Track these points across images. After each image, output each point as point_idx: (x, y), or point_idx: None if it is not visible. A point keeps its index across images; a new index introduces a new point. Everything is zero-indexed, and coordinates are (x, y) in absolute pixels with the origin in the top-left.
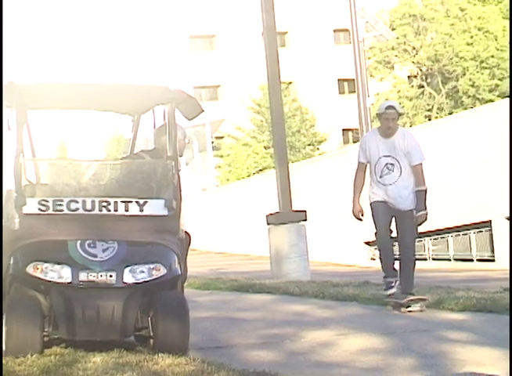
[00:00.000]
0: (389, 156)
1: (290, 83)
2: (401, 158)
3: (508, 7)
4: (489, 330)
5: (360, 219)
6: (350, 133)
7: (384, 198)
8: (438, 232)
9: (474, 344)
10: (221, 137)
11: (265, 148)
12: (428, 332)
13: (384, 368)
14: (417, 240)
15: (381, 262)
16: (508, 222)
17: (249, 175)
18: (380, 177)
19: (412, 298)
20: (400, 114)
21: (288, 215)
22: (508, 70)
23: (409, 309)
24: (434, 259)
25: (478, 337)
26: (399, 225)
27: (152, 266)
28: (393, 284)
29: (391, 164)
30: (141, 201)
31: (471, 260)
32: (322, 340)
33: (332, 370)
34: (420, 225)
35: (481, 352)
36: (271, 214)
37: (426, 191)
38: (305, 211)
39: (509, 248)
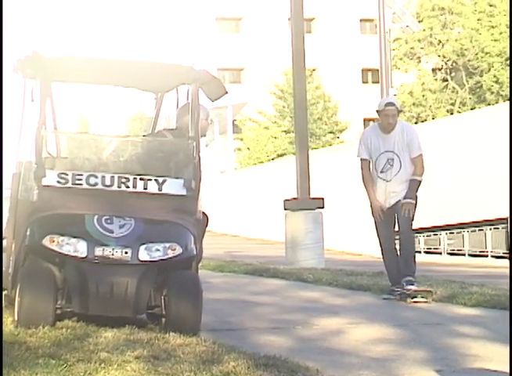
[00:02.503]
0: (389, 151)
1: (314, 70)
2: (400, 153)
3: None
4: (502, 327)
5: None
6: (371, 123)
7: (384, 203)
8: (455, 226)
9: (486, 340)
10: (243, 120)
11: (285, 132)
12: (440, 326)
13: (394, 359)
14: (433, 233)
15: (386, 270)
16: None
17: (268, 160)
18: (382, 172)
19: (418, 289)
20: (400, 111)
21: (306, 202)
22: None
23: (414, 299)
24: (448, 254)
25: (490, 333)
26: (398, 212)
27: (168, 245)
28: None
29: (392, 159)
30: (160, 180)
31: (486, 256)
32: (333, 328)
33: (342, 358)
34: (404, 212)
35: (492, 349)
36: (288, 199)
37: (420, 182)
38: (323, 199)
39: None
